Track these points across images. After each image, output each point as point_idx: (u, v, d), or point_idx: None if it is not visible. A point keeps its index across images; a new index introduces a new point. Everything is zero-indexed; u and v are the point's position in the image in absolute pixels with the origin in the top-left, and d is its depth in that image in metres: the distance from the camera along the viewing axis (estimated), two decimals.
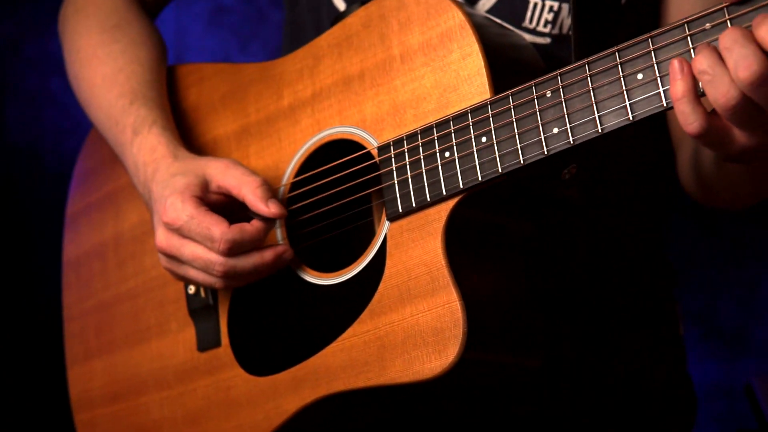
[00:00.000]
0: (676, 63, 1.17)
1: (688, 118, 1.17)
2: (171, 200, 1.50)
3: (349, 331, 1.46)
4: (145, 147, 1.61)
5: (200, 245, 1.49)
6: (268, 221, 1.49)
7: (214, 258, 1.48)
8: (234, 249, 1.47)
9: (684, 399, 1.74)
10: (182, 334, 1.68)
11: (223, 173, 1.51)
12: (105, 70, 1.73)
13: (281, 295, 1.56)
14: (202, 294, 1.64)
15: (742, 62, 1.11)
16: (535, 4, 1.60)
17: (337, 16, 1.59)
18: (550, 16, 1.59)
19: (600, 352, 1.65)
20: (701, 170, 1.54)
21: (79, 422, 1.84)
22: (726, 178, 1.49)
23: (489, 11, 1.62)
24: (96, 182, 1.89)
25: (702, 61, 1.14)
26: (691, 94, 1.16)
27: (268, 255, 1.50)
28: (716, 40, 1.18)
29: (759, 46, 1.10)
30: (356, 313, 1.46)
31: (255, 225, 1.48)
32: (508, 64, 1.43)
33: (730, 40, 1.12)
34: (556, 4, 1.60)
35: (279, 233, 1.57)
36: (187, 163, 1.56)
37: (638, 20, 1.62)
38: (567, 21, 1.61)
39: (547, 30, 1.60)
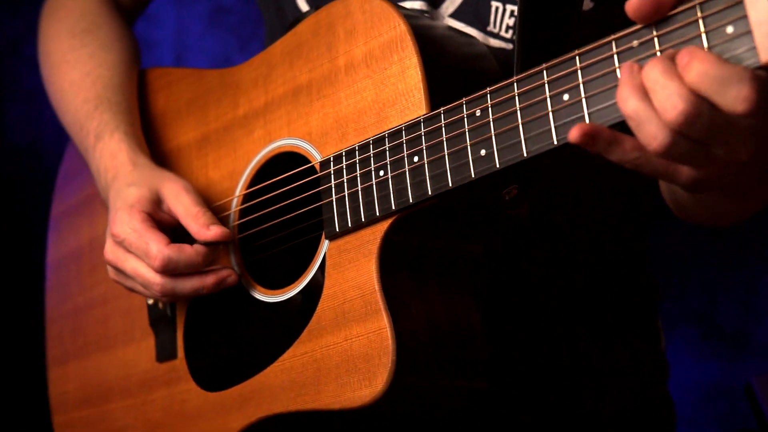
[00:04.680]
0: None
1: (624, 162, 1.08)
2: (120, 213, 1.49)
3: (290, 352, 1.41)
4: (106, 152, 1.59)
5: (141, 262, 1.46)
6: (212, 245, 1.45)
7: (152, 278, 1.46)
8: (169, 267, 1.44)
9: (664, 420, 1.64)
10: (144, 343, 1.66)
11: (175, 198, 1.49)
12: (73, 74, 1.71)
13: (232, 310, 1.52)
14: (160, 306, 1.62)
15: (667, 103, 1.01)
16: (497, 8, 1.51)
17: (292, 22, 1.54)
18: (511, 21, 1.50)
19: (566, 374, 1.57)
20: (675, 191, 1.44)
21: (56, 424, 1.85)
22: (700, 202, 1.38)
23: (453, 15, 1.54)
24: (76, 185, 1.88)
25: (625, 104, 1.04)
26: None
27: (209, 280, 1.47)
28: (646, 58, 1.08)
29: (683, 81, 1.00)
30: (297, 333, 1.41)
31: (196, 248, 1.45)
32: (455, 77, 1.36)
33: (651, 79, 1.02)
34: (516, 8, 1.51)
35: (231, 246, 1.53)
36: (145, 173, 1.54)
37: (606, 25, 1.52)
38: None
39: (509, 35, 1.51)
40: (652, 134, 1.03)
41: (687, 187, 1.11)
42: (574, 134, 1.06)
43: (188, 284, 1.47)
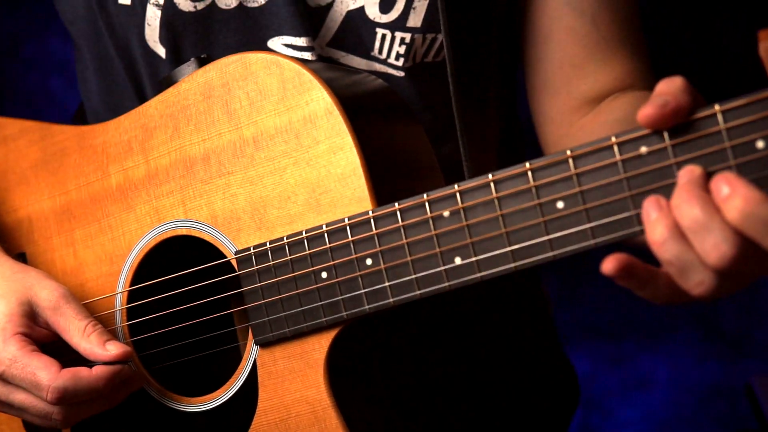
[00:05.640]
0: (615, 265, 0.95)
1: (653, 298, 0.97)
2: None
3: None
4: None
5: (30, 394, 1.22)
6: (113, 364, 1.22)
7: (49, 409, 1.22)
8: (66, 398, 1.20)
9: (566, 386, 1.59)
10: None
11: (53, 312, 1.23)
12: None
13: (136, 419, 1.31)
14: None
15: (711, 249, 0.89)
16: (384, 36, 1.33)
17: (167, 77, 1.28)
18: (402, 49, 1.34)
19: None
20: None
21: None
22: None
23: (330, 43, 1.35)
24: None
25: (666, 250, 0.92)
26: (649, 283, 0.95)
27: (118, 398, 1.24)
28: (659, 171, 0.95)
29: (727, 222, 0.89)
30: None
31: (96, 373, 1.21)
32: (384, 140, 1.18)
33: (689, 219, 0.90)
34: (408, 36, 1.34)
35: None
36: (8, 278, 1.26)
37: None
38: (421, 51, 1.36)
39: (400, 63, 1.34)
40: (698, 280, 0.92)
41: (700, 299, 1.02)
42: (608, 266, 0.93)
43: (95, 408, 1.24)
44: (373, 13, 1.34)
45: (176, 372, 1.32)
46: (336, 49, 1.36)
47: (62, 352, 1.25)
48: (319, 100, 1.15)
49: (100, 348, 1.21)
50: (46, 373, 1.20)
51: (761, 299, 2.42)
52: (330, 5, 1.34)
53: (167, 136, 1.27)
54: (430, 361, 1.35)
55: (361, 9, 1.34)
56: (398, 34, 1.34)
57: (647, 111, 0.93)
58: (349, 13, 1.34)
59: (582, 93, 1.43)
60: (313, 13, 1.34)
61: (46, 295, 1.24)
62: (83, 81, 1.54)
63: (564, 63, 1.43)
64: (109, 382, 1.22)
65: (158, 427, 1.29)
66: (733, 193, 0.88)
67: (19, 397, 1.23)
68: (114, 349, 1.21)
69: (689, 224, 0.90)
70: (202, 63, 1.25)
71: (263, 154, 1.19)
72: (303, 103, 1.16)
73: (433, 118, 1.39)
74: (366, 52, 1.36)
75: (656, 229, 0.92)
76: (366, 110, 1.18)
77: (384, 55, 1.36)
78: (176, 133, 1.26)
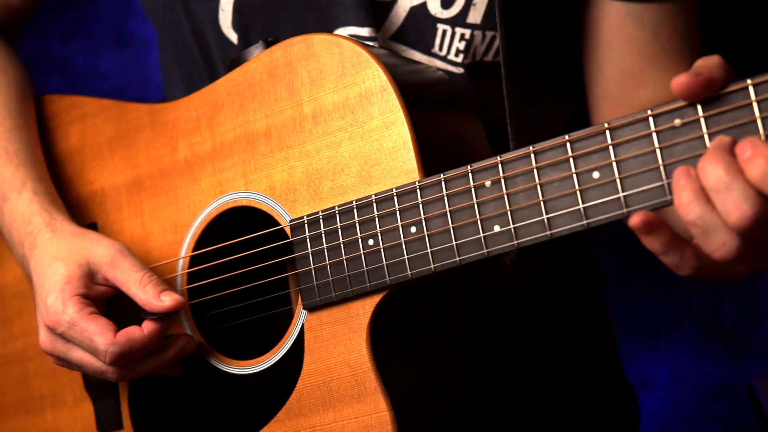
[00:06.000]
0: (641, 223, 0.98)
1: (677, 266, 1.00)
2: (51, 300, 1.30)
3: (265, 430, 1.29)
4: (17, 217, 1.38)
5: (87, 353, 1.29)
6: (164, 317, 1.29)
7: (104, 368, 1.29)
8: (122, 360, 1.27)
9: (627, 409, 1.60)
10: (79, 410, 1.49)
11: (110, 265, 1.30)
12: None
13: (189, 379, 1.38)
14: None
15: (732, 207, 0.93)
16: (444, 31, 1.39)
17: (236, 59, 1.36)
18: (462, 45, 1.40)
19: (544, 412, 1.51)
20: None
21: None
22: None
23: (393, 37, 1.41)
24: None
25: (691, 211, 0.96)
26: (673, 246, 0.99)
27: (167, 356, 1.31)
28: (691, 141, 0.99)
29: (748, 181, 0.92)
30: (272, 409, 1.28)
31: (147, 329, 1.27)
32: (437, 122, 1.24)
33: (714, 178, 0.93)
34: (467, 32, 1.40)
35: (183, 315, 1.37)
36: (69, 242, 1.34)
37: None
38: (480, 49, 1.42)
39: (459, 59, 1.40)
40: (720, 242, 0.95)
41: (731, 278, 1.04)
42: (635, 219, 0.97)
43: (146, 366, 1.31)
44: (435, 8, 1.40)
45: (227, 337, 1.38)
46: (398, 43, 1.42)
47: (121, 306, 1.32)
48: (375, 77, 1.22)
49: (156, 298, 1.28)
50: (102, 338, 1.26)
51: (762, 299, 2.39)
52: (395, 1, 1.41)
53: (233, 112, 1.34)
54: (477, 349, 1.39)
55: (424, 5, 1.41)
56: (458, 30, 1.40)
57: (680, 79, 0.97)
58: (413, 8, 1.41)
59: (641, 103, 1.47)
60: (378, 6, 1.41)
61: (103, 252, 1.31)
62: (165, 71, 1.64)
63: (624, 73, 1.47)
64: (160, 338, 1.29)
65: (208, 388, 1.35)
66: (755, 154, 0.91)
67: (78, 355, 1.30)
68: (168, 299, 1.28)
69: (713, 184, 0.93)
70: (268, 45, 1.33)
71: (321, 129, 1.26)
72: (360, 80, 1.23)
73: (489, 118, 1.44)
74: (427, 49, 1.42)
75: (683, 193, 0.96)
76: (420, 91, 1.24)
77: (444, 52, 1.42)
78: (241, 110, 1.33)
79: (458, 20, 1.41)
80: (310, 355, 1.26)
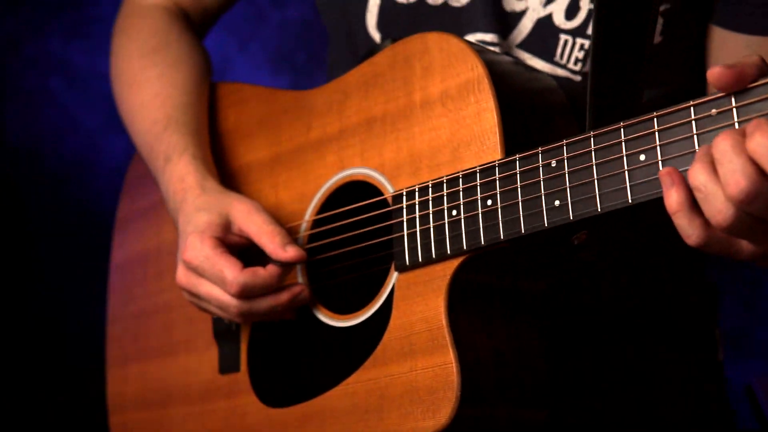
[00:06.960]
0: (666, 175, 1.10)
1: (686, 231, 1.11)
2: (191, 239, 1.52)
3: (354, 377, 1.46)
4: (175, 175, 1.62)
5: (215, 286, 1.51)
6: (286, 266, 1.49)
7: (228, 301, 1.50)
8: (245, 292, 1.48)
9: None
10: (207, 354, 1.71)
11: (246, 218, 1.52)
12: (143, 96, 1.74)
13: (297, 330, 1.57)
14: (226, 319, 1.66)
15: (730, 178, 1.03)
16: (566, 41, 1.54)
17: (368, 52, 1.57)
18: (580, 54, 1.54)
19: (627, 400, 1.60)
20: None
21: (113, 424, 1.90)
22: None
23: (520, 45, 1.57)
24: (144, 190, 1.92)
25: (695, 177, 1.07)
26: (685, 207, 1.10)
27: (283, 297, 1.51)
28: (724, 128, 1.11)
29: (749, 158, 1.03)
30: (362, 359, 1.45)
31: (269, 270, 1.49)
32: (526, 115, 1.39)
33: (719, 151, 1.05)
34: (586, 42, 1.54)
35: (299, 270, 1.58)
36: (213, 197, 1.57)
37: (675, 61, 1.54)
38: None
39: (578, 68, 1.54)
40: (717, 209, 1.06)
41: (745, 261, 1.14)
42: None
43: (263, 304, 1.51)
44: (560, 19, 1.56)
45: (332, 293, 1.57)
46: (524, 50, 1.58)
47: (250, 257, 1.53)
48: (474, 70, 1.39)
49: (281, 249, 1.49)
50: (230, 270, 1.48)
51: (762, 299, 2.33)
52: (523, 12, 1.57)
53: (359, 99, 1.54)
54: (557, 331, 1.51)
55: (549, 16, 1.56)
56: (578, 40, 1.55)
57: (715, 69, 1.09)
58: (539, 20, 1.57)
59: None
60: (508, 16, 1.58)
61: (242, 207, 1.54)
62: (334, 68, 1.85)
63: None
64: (280, 280, 1.49)
65: (310, 338, 1.54)
66: (757, 129, 1.02)
67: (206, 288, 1.52)
68: (291, 251, 1.49)
69: (719, 156, 1.05)
70: (394, 42, 1.52)
71: (426, 114, 1.44)
72: (461, 72, 1.40)
73: None
74: (550, 57, 1.57)
75: (696, 162, 1.08)
76: (508, 81, 1.39)
77: (564, 60, 1.56)
78: (366, 97, 1.53)
79: (579, 31, 1.55)
80: (397, 311, 1.42)
